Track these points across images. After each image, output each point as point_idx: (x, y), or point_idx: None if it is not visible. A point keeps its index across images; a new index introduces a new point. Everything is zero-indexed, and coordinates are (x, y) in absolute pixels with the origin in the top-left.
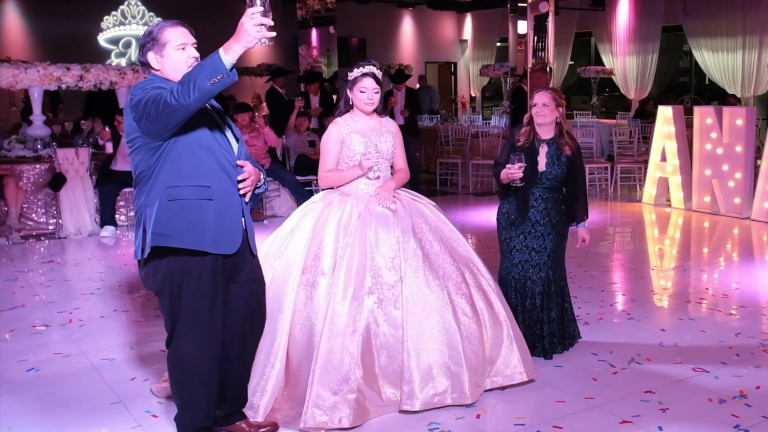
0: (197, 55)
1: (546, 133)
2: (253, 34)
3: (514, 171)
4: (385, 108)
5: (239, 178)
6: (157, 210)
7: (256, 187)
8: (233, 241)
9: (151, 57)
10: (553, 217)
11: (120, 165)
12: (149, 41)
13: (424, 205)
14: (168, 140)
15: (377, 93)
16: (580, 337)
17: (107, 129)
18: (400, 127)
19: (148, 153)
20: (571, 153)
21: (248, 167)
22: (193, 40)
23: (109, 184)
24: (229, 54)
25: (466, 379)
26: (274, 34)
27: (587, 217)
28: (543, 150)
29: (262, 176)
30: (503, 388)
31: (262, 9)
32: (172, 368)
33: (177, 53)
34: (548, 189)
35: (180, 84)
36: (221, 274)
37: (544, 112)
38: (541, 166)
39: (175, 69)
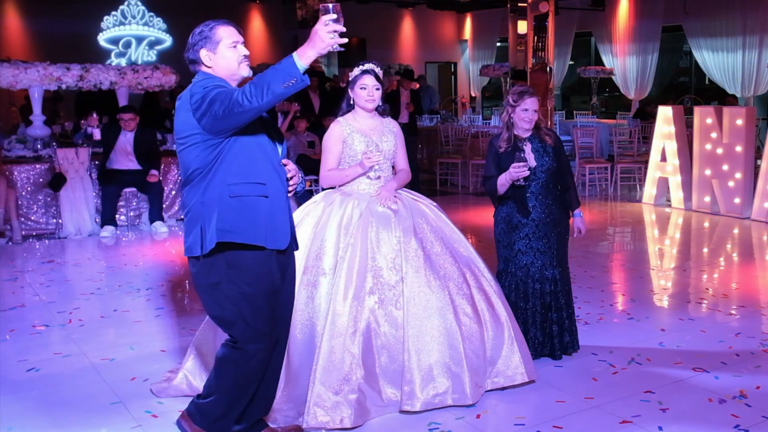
0: (248, 52)
1: (525, 132)
2: (327, 41)
3: (520, 168)
4: (390, 106)
5: (288, 176)
6: (220, 206)
7: None
8: (284, 236)
9: (204, 54)
10: (554, 214)
11: (121, 164)
12: (201, 39)
13: (426, 205)
14: (228, 138)
15: (378, 90)
16: (578, 348)
17: (95, 115)
18: (403, 126)
19: (207, 150)
20: (552, 142)
21: (291, 166)
22: (242, 38)
23: (111, 184)
24: (303, 59)
25: (466, 380)
26: (345, 40)
27: (579, 206)
28: (527, 147)
29: (301, 175)
30: (504, 388)
31: (335, 16)
32: (224, 364)
33: (229, 51)
34: (545, 186)
35: (253, 85)
36: (277, 270)
37: (533, 117)
38: (531, 161)
39: (227, 67)
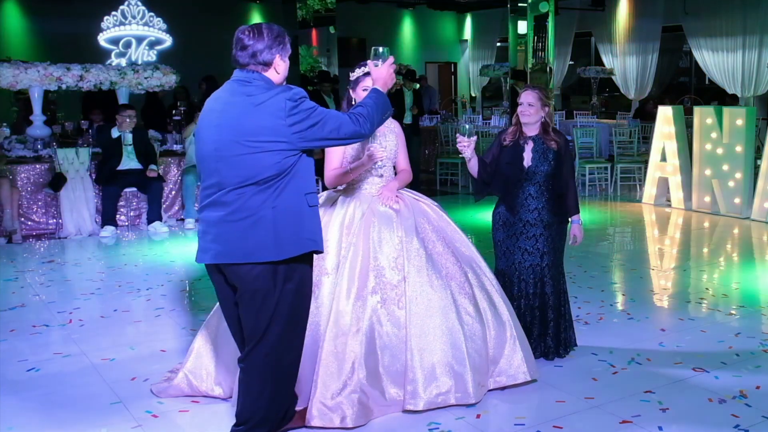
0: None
1: (531, 130)
2: (394, 78)
3: (463, 146)
4: (395, 107)
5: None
6: (302, 215)
7: None
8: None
9: (278, 60)
10: (545, 217)
11: (122, 163)
12: (280, 44)
13: (427, 205)
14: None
15: None
16: (576, 346)
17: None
18: (405, 126)
19: (288, 158)
20: (557, 147)
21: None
22: None
23: (114, 184)
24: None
25: (469, 379)
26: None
27: (578, 213)
28: (528, 146)
29: None
30: (504, 388)
31: (392, 59)
32: (270, 370)
33: (287, 63)
34: (540, 187)
35: (361, 116)
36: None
37: (528, 111)
38: (527, 161)
39: (285, 77)
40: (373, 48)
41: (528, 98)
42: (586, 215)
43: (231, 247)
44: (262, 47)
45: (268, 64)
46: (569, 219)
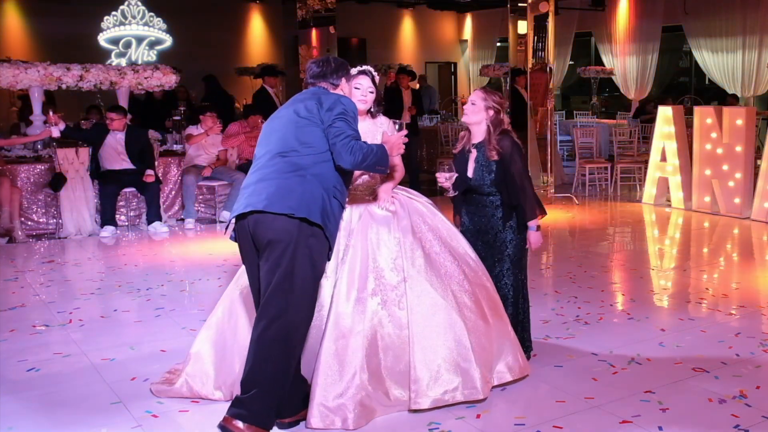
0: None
1: (477, 136)
2: (402, 149)
3: (443, 181)
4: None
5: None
6: (324, 201)
7: None
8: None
9: (344, 82)
10: (484, 224)
11: (114, 164)
12: (345, 70)
13: (421, 203)
14: None
15: (372, 93)
16: (532, 351)
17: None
18: (406, 125)
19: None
20: (498, 157)
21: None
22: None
23: (108, 184)
24: (392, 158)
25: (477, 375)
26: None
27: (535, 219)
28: (472, 156)
29: None
30: (504, 385)
31: (406, 132)
32: (265, 347)
33: (352, 89)
34: (487, 198)
35: (360, 150)
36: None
37: (468, 109)
38: (470, 171)
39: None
40: (396, 122)
41: (472, 97)
42: (586, 215)
43: (260, 198)
44: (333, 75)
45: (333, 85)
46: (528, 225)
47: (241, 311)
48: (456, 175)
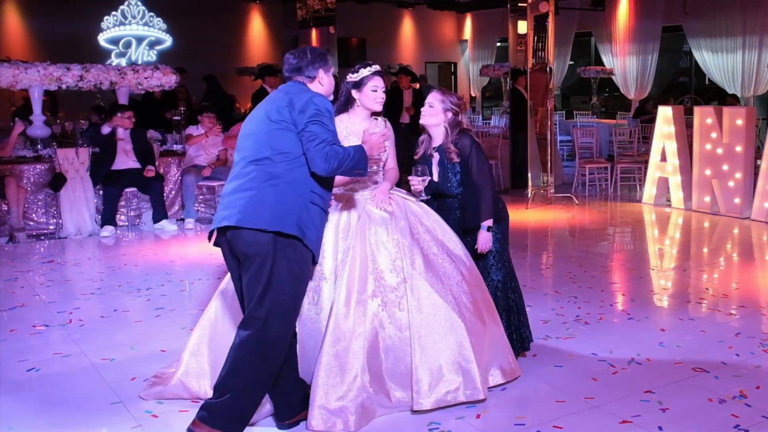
0: None
1: (436, 139)
2: (381, 150)
3: (416, 185)
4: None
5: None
6: (300, 210)
7: None
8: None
9: (322, 73)
10: (465, 225)
11: (120, 163)
12: (323, 60)
13: (417, 204)
14: None
15: (384, 93)
16: (532, 341)
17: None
18: (407, 126)
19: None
20: (459, 159)
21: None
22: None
23: (113, 185)
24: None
25: (477, 375)
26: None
27: (489, 219)
28: (435, 159)
29: None
30: (502, 384)
31: (387, 131)
32: (243, 354)
33: (332, 78)
34: (453, 199)
35: (337, 159)
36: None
37: (426, 111)
38: (435, 176)
39: (330, 92)
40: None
41: (429, 98)
42: (586, 215)
43: (232, 212)
44: (307, 67)
45: (309, 77)
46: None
47: (233, 310)
48: (429, 178)
